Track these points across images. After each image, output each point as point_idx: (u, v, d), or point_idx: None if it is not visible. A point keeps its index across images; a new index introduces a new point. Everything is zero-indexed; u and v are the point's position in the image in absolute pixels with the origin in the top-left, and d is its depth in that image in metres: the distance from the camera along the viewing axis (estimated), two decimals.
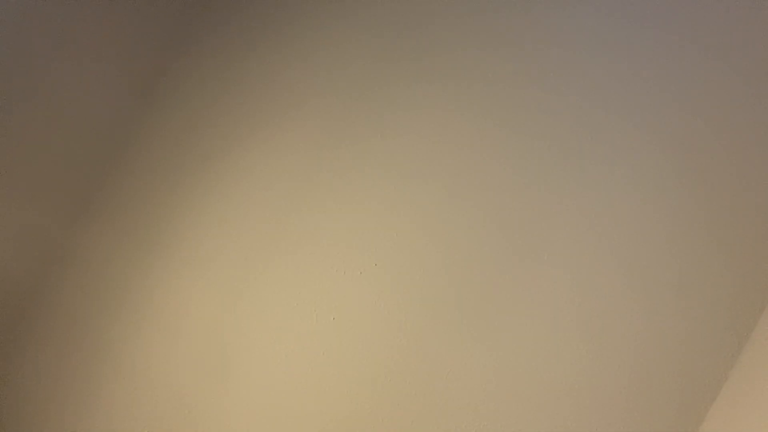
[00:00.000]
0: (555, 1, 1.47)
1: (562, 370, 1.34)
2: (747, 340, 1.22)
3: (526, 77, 1.47)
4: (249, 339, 1.61)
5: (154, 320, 1.72)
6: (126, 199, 1.83)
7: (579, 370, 1.33)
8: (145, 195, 1.80)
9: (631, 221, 1.34)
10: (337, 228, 1.57)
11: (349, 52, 1.67)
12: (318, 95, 1.67)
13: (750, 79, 1.29)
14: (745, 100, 1.29)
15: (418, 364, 1.44)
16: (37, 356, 1.83)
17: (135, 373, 1.71)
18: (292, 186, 1.65)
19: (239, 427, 1.58)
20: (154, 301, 1.73)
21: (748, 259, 1.25)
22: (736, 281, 1.25)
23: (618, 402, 1.29)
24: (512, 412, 1.36)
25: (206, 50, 1.84)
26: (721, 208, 1.28)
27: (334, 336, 1.52)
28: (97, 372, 1.76)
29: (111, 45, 1.75)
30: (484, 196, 1.46)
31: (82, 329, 1.79)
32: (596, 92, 1.41)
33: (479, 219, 1.45)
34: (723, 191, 1.28)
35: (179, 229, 1.74)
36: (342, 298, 1.53)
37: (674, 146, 1.33)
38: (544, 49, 1.46)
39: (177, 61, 1.86)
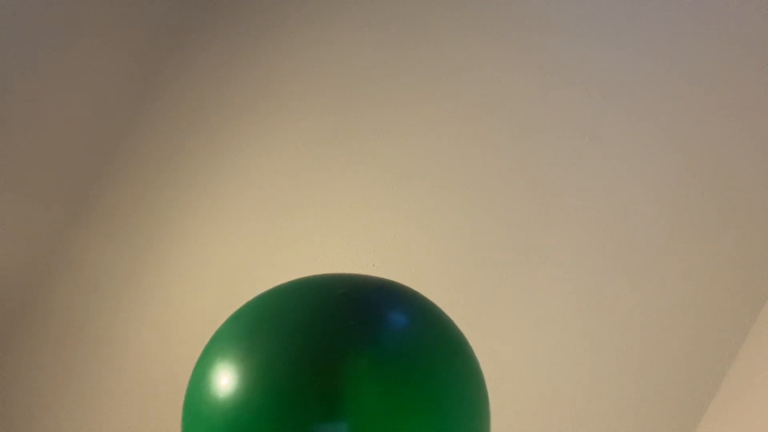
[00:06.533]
0: None
1: (562, 369, 1.34)
2: (746, 337, 1.23)
3: (530, 71, 1.44)
4: None
5: (151, 320, 1.70)
6: (122, 198, 1.80)
7: (580, 368, 1.33)
8: (142, 194, 1.78)
9: (634, 219, 1.34)
10: (334, 228, 1.56)
11: (346, 47, 1.63)
12: (314, 92, 1.64)
13: (762, 68, 1.28)
14: (752, 93, 1.28)
15: None
16: (34, 356, 1.82)
17: (132, 372, 1.70)
18: (288, 185, 1.62)
19: None
20: (152, 300, 1.72)
21: (747, 255, 1.25)
22: (736, 278, 1.25)
23: (617, 399, 1.30)
24: (513, 412, 1.37)
25: (200, 47, 1.80)
26: (721, 206, 1.28)
27: None
28: (95, 372, 1.75)
29: (108, 43, 1.71)
30: (486, 194, 1.44)
31: (79, 329, 1.78)
32: (599, 84, 1.39)
33: (480, 218, 1.44)
34: (723, 189, 1.28)
35: (175, 227, 1.72)
36: None
37: (679, 143, 1.32)
38: (546, 41, 1.44)
39: (171, 58, 1.82)
